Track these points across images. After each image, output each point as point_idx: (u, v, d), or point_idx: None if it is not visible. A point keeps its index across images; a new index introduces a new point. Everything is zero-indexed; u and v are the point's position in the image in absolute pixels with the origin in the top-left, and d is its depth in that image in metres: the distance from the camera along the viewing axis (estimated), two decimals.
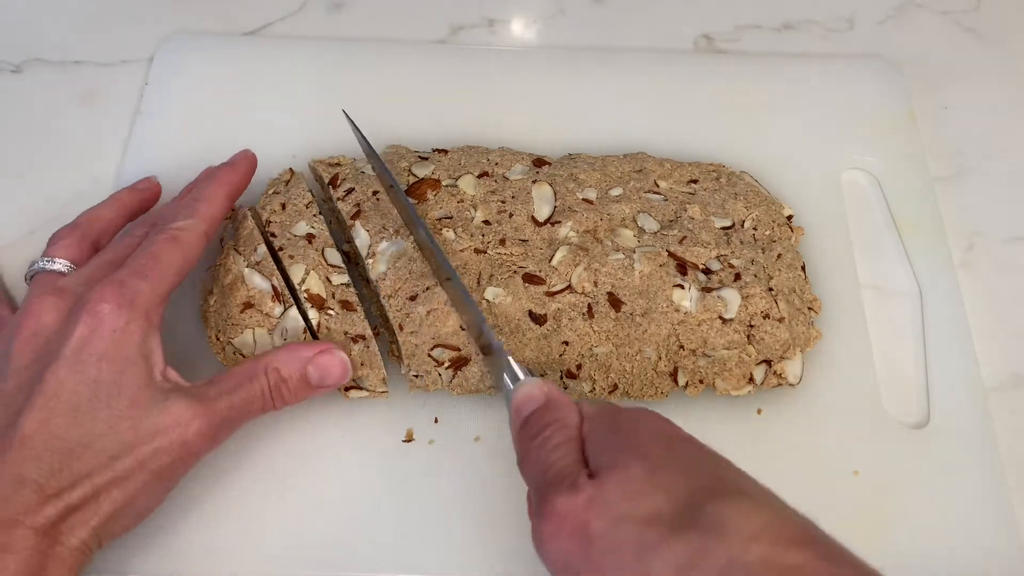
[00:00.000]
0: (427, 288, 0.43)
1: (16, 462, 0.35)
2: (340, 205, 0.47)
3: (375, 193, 0.47)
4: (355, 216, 0.46)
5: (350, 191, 0.47)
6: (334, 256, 0.45)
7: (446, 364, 0.43)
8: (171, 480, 0.39)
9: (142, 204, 0.47)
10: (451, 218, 0.46)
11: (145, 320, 0.39)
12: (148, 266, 0.40)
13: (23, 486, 0.35)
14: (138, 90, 0.57)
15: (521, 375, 0.38)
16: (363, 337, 0.43)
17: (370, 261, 0.45)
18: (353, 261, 0.48)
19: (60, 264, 0.42)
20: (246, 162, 0.46)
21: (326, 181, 0.48)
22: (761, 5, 0.63)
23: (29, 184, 0.53)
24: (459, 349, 0.43)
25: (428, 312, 0.43)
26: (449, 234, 0.45)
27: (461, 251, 0.45)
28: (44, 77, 0.58)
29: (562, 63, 0.58)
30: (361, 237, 0.45)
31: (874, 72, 0.58)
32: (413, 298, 0.43)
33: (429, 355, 0.43)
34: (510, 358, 0.39)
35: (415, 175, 0.48)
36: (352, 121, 0.47)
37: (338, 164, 0.49)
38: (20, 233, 0.52)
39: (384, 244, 0.45)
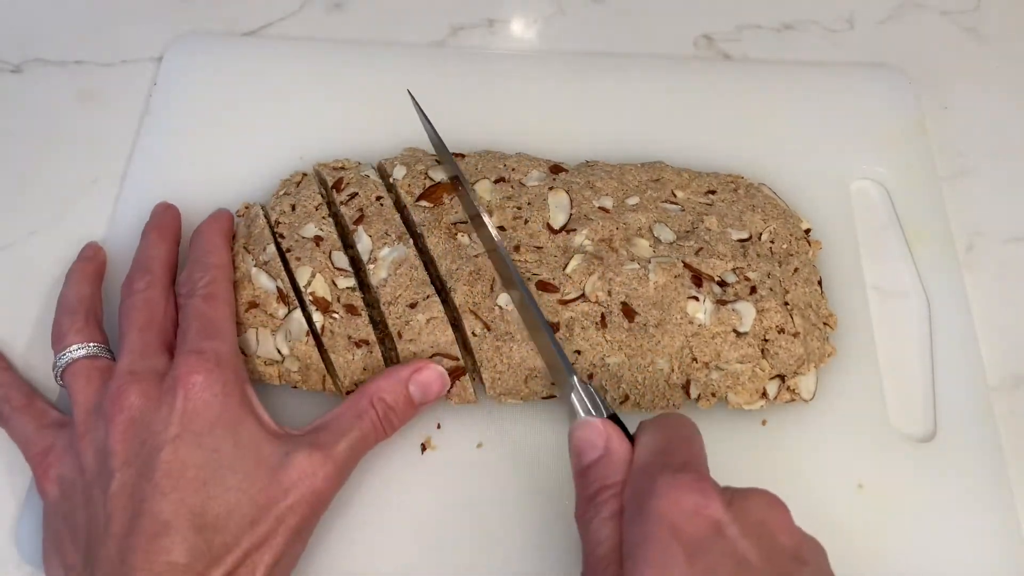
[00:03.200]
0: (427, 296, 0.43)
1: (165, 549, 0.35)
2: (343, 209, 0.46)
3: (379, 198, 0.47)
4: (358, 221, 0.46)
5: (353, 195, 0.47)
6: (341, 259, 0.44)
7: None
8: (309, 530, 0.39)
9: (98, 268, 0.46)
10: (466, 223, 0.46)
11: (236, 377, 0.39)
12: (209, 327, 0.40)
13: (176, 571, 0.34)
14: (138, 90, 0.56)
15: (581, 412, 0.38)
16: (366, 342, 0.43)
17: (371, 267, 0.44)
18: (355, 266, 0.47)
19: (91, 348, 0.41)
20: (225, 212, 0.47)
21: (330, 185, 0.48)
22: (761, 5, 0.63)
23: (29, 184, 0.53)
24: (457, 359, 0.43)
25: (427, 320, 0.43)
26: (464, 239, 0.45)
27: (476, 256, 0.44)
28: (44, 77, 0.57)
29: (567, 68, 0.58)
30: (363, 242, 0.45)
31: (884, 81, 0.58)
32: (413, 306, 0.43)
33: None
34: (581, 389, 0.38)
35: (431, 179, 0.47)
36: (419, 106, 0.47)
37: (342, 168, 0.49)
38: (20, 233, 0.51)
39: (386, 250, 0.45)
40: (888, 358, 0.48)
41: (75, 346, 0.41)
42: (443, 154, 0.47)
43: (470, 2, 0.62)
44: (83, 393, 0.40)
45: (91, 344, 0.42)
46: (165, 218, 0.47)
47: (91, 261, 0.46)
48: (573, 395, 0.39)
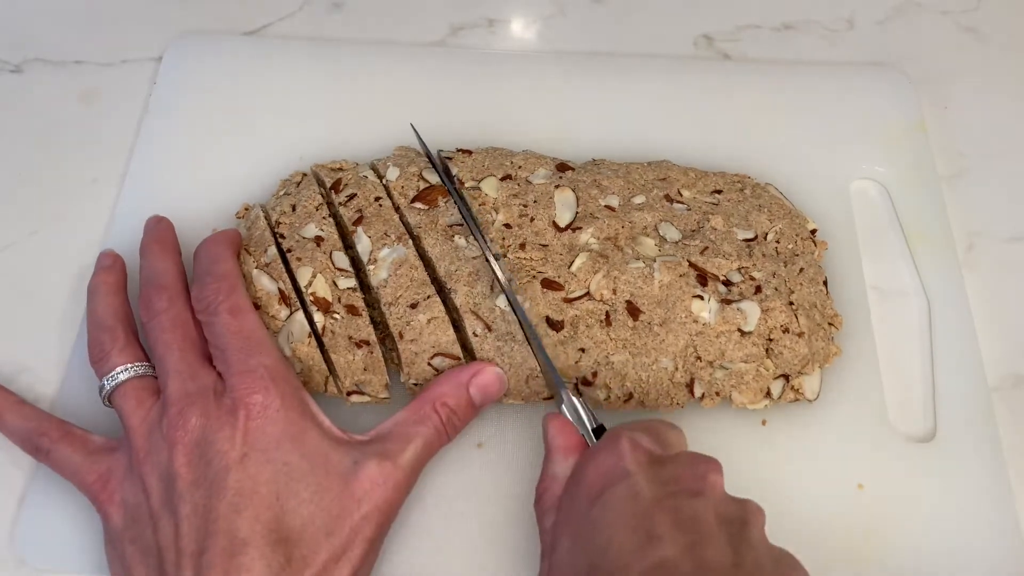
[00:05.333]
0: (428, 296, 0.43)
1: (244, 567, 0.35)
2: (342, 210, 0.46)
3: (377, 199, 0.46)
4: (357, 222, 0.46)
5: (352, 196, 0.47)
6: (342, 260, 0.44)
7: None
8: (381, 539, 0.39)
9: (120, 278, 0.45)
10: (462, 225, 0.46)
11: (291, 388, 0.39)
12: (248, 343, 0.40)
13: None
14: (138, 90, 0.56)
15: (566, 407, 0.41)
16: (367, 343, 0.43)
17: (371, 267, 0.44)
18: (355, 266, 0.47)
19: (137, 369, 0.41)
20: (229, 229, 0.46)
21: (328, 186, 0.48)
22: (761, 5, 0.63)
23: (29, 184, 0.53)
24: (459, 358, 0.43)
25: (428, 320, 0.43)
26: (461, 241, 0.45)
27: (474, 258, 0.44)
28: (44, 77, 0.57)
29: (567, 68, 0.58)
30: (363, 243, 0.45)
31: (886, 82, 0.58)
32: (414, 306, 0.43)
33: (429, 364, 0.43)
34: (564, 397, 0.41)
35: (426, 180, 0.47)
36: (418, 134, 0.48)
37: (340, 169, 0.49)
38: (21, 233, 0.51)
39: (385, 251, 0.45)
40: (888, 358, 0.48)
41: (120, 368, 0.41)
42: (450, 191, 0.46)
43: (470, 2, 0.62)
44: (135, 416, 0.39)
45: (137, 365, 0.41)
46: (161, 231, 0.46)
47: (112, 271, 0.45)
48: (564, 407, 0.40)
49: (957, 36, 0.63)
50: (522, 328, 0.42)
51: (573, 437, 0.40)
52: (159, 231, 0.46)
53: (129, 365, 0.41)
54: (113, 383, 0.40)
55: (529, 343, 0.42)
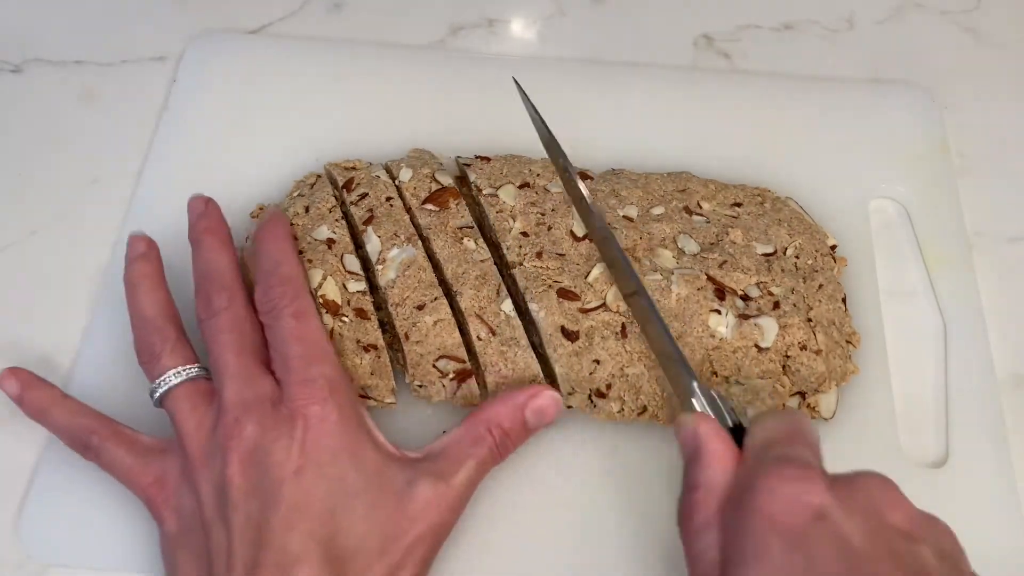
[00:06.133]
0: (435, 298, 0.43)
1: None
2: (353, 209, 0.46)
3: (388, 199, 0.46)
4: (367, 221, 0.45)
5: (363, 196, 0.47)
6: (352, 262, 0.44)
7: (450, 376, 0.43)
8: (432, 560, 0.38)
9: (159, 267, 0.43)
10: (472, 227, 0.45)
11: (349, 401, 0.39)
12: (311, 351, 0.39)
13: None
14: (139, 90, 0.56)
15: (697, 406, 0.37)
16: (375, 347, 0.43)
17: (380, 267, 0.44)
18: (364, 267, 0.47)
19: (190, 372, 0.40)
20: (279, 212, 0.45)
21: (340, 184, 0.48)
22: (761, 5, 0.63)
23: (29, 184, 0.53)
24: (464, 361, 0.43)
25: (435, 323, 0.43)
26: (470, 244, 0.45)
27: (482, 261, 0.44)
28: (44, 77, 0.57)
29: (570, 71, 0.58)
30: (372, 243, 0.45)
31: (909, 99, 0.58)
32: (421, 307, 0.43)
33: (434, 366, 0.42)
34: (695, 385, 0.38)
35: (438, 182, 0.47)
36: (523, 91, 0.46)
37: (353, 168, 0.49)
38: (21, 234, 0.51)
39: (395, 251, 0.44)
40: (901, 380, 0.47)
41: (172, 372, 0.40)
42: (551, 147, 0.45)
43: (470, 2, 0.62)
44: (190, 421, 0.39)
45: (190, 368, 0.40)
46: (212, 217, 0.44)
47: (150, 260, 0.43)
48: (694, 400, 0.38)
49: (957, 36, 0.62)
50: (647, 321, 0.40)
51: (728, 443, 0.36)
52: (211, 218, 0.44)
53: (181, 368, 0.40)
54: (166, 387, 0.40)
55: (651, 336, 0.40)
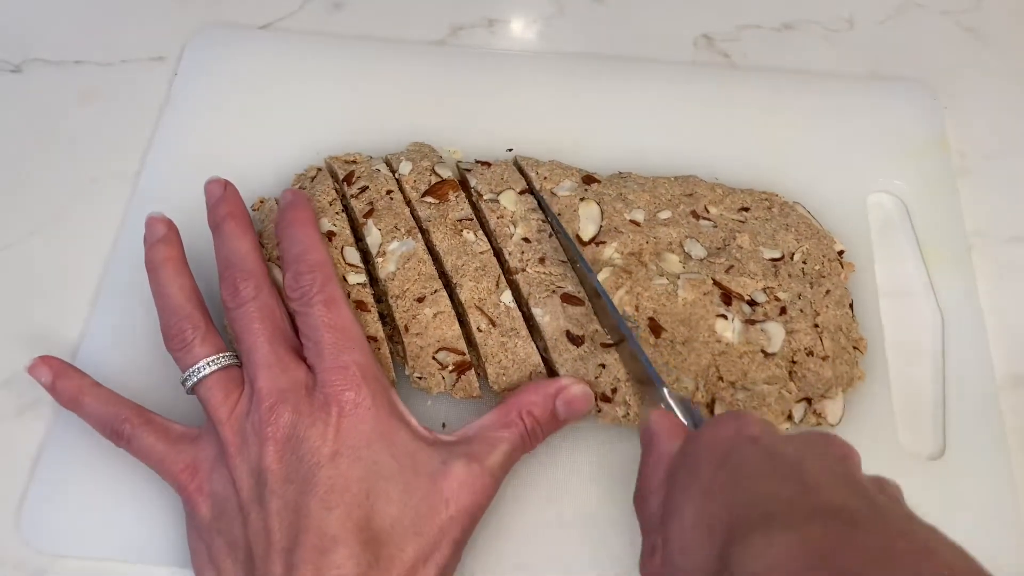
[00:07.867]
0: (435, 291, 0.43)
1: (336, 564, 0.34)
2: (353, 203, 0.46)
3: (388, 192, 0.46)
4: (367, 214, 0.46)
5: (364, 189, 0.47)
6: (353, 255, 0.44)
7: (450, 368, 0.42)
8: (465, 542, 0.39)
9: (181, 250, 0.43)
10: (472, 219, 0.45)
11: (381, 387, 0.39)
12: (343, 338, 0.39)
13: None
14: (138, 89, 0.56)
15: (673, 404, 0.38)
16: (375, 339, 0.43)
17: (380, 260, 0.44)
18: (365, 259, 0.47)
19: (222, 360, 0.40)
20: (303, 196, 0.44)
21: (340, 178, 0.48)
22: (761, 5, 0.63)
23: (29, 184, 0.53)
24: (464, 353, 0.43)
25: (435, 315, 0.43)
26: (469, 236, 0.45)
27: (481, 253, 0.44)
28: (44, 77, 0.57)
29: (570, 70, 0.57)
30: (372, 236, 0.45)
31: (910, 95, 0.57)
32: (421, 300, 0.43)
33: (433, 358, 0.42)
34: (672, 402, 0.38)
35: (438, 175, 0.47)
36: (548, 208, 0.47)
37: (354, 161, 0.49)
38: (20, 234, 0.51)
39: (395, 244, 0.44)
40: (899, 374, 0.47)
41: (204, 361, 0.40)
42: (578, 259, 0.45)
43: (470, 2, 0.62)
44: (223, 409, 0.39)
45: (221, 356, 0.40)
46: (232, 201, 0.43)
47: (172, 243, 0.42)
48: (663, 407, 0.39)
49: (957, 36, 0.62)
50: (614, 326, 0.41)
51: (676, 421, 0.37)
52: (230, 202, 0.43)
53: (213, 357, 0.40)
54: (199, 376, 0.40)
55: (617, 344, 0.41)
